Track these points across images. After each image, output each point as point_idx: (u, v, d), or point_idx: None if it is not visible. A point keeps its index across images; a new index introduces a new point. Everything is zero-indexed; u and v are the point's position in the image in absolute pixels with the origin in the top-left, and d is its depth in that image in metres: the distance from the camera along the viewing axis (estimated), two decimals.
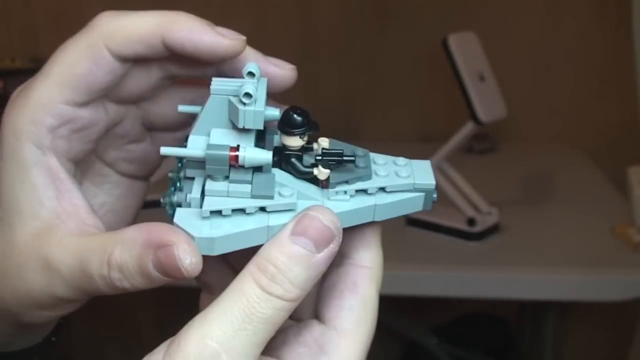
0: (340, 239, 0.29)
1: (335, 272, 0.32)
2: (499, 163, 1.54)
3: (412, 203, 0.31)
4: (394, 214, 0.31)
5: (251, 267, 0.28)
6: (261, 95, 0.30)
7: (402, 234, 1.14)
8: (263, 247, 0.28)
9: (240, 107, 0.29)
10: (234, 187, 0.29)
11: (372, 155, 0.33)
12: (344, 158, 0.31)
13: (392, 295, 0.93)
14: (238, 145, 0.29)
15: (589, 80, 1.61)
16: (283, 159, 0.31)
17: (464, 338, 1.46)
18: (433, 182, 0.31)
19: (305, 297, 0.30)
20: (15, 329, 0.35)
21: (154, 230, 0.28)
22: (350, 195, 0.30)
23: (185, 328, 0.27)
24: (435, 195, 0.32)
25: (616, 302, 1.04)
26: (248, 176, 0.30)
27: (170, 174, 0.32)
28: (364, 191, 0.31)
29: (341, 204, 0.30)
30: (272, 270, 0.27)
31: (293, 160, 0.31)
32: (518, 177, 1.41)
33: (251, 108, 0.29)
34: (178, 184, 0.31)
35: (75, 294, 0.31)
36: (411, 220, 1.14)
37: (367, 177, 0.31)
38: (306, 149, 0.31)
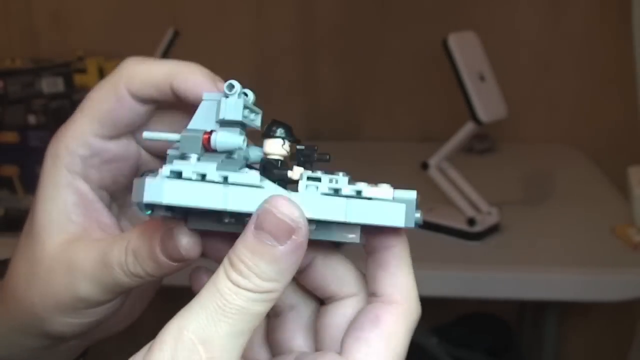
0: (306, 230, 0.28)
1: (364, 308, 0.32)
2: (499, 163, 1.54)
3: (391, 212, 0.29)
4: (369, 219, 0.29)
5: (224, 262, 0.28)
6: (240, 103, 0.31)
7: None
8: (236, 241, 0.28)
9: (223, 98, 0.30)
10: (201, 164, 0.29)
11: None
12: (319, 156, 0.30)
13: None
14: (212, 130, 0.30)
15: (589, 80, 1.61)
16: (263, 166, 0.31)
17: (464, 338, 1.46)
18: (414, 196, 0.29)
19: (334, 332, 0.32)
20: (41, 340, 0.36)
21: (154, 222, 0.32)
22: (322, 193, 0.29)
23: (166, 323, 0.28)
24: (418, 215, 0.29)
25: (616, 302, 1.04)
26: (219, 159, 0.29)
27: None
28: (337, 191, 0.29)
29: (308, 194, 0.29)
30: (239, 265, 0.27)
31: (271, 162, 0.31)
32: (518, 177, 1.41)
33: (232, 98, 0.30)
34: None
35: (98, 291, 0.33)
36: None
37: (347, 180, 0.30)
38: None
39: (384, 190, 0.29)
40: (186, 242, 0.31)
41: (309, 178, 0.30)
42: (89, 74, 1.55)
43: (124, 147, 0.36)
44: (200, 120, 0.31)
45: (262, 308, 0.28)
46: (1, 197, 1.36)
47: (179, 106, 0.35)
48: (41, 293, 0.34)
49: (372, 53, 1.64)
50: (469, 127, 1.05)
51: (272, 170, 0.30)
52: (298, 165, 0.30)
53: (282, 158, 0.31)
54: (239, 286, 0.27)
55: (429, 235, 1.12)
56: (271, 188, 0.28)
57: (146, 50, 1.43)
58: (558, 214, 1.23)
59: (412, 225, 0.29)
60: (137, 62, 0.35)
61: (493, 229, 1.11)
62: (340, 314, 0.33)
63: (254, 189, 0.28)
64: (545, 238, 1.13)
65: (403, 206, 0.29)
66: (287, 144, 0.31)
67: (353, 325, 0.31)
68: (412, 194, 0.30)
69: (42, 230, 0.35)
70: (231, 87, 0.30)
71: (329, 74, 1.65)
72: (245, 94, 0.31)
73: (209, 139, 0.30)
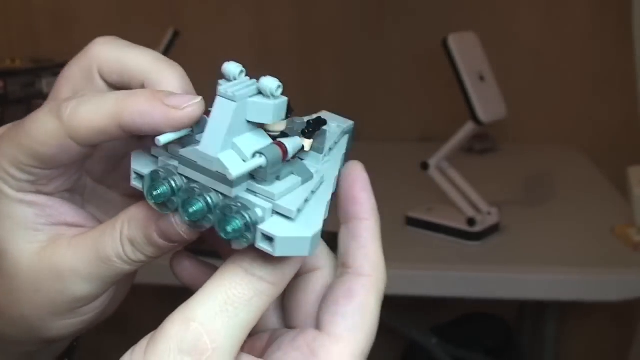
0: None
1: (335, 282, 0.33)
2: (499, 163, 1.54)
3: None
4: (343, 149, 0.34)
5: (235, 254, 0.29)
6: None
7: (402, 234, 1.14)
8: None
9: (269, 101, 0.29)
10: (286, 183, 0.29)
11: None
12: (321, 128, 0.33)
13: (392, 295, 0.93)
14: (280, 141, 0.30)
15: (589, 80, 1.61)
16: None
17: (464, 338, 1.46)
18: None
19: (306, 307, 0.33)
20: (36, 346, 0.35)
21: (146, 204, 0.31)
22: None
23: (170, 315, 0.28)
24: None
25: (616, 302, 1.04)
26: (285, 169, 0.30)
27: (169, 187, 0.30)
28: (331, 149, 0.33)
29: (330, 163, 0.32)
30: (253, 254, 0.28)
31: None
32: (518, 177, 1.41)
33: (280, 100, 0.29)
34: (218, 203, 0.29)
35: (95, 287, 0.32)
36: (411, 220, 1.14)
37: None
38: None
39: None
40: (186, 228, 0.30)
41: (322, 148, 0.32)
42: None
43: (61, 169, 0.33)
44: (218, 125, 0.29)
45: (264, 303, 0.29)
46: None
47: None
48: (31, 304, 0.33)
49: (372, 53, 1.64)
50: (469, 127, 1.05)
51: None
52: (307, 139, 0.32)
53: (279, 133, 0.31)
54: (251, 274, 0.28)
55: (429, 235, 1.12)
56: (320, 170, 0.32)
57: None
58: (558, 214, 1.23)
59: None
60: (75, 105, 0.30)
61: (493, 229, 1.11)
62: (309, 290, 0.34)
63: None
64: (545, 238, 1.13)
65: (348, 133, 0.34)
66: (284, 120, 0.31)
67: (327, 299, 0.32)
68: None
69: (8, 246, 0.32)
70: (280, 87, 0.29)
71: (329, 74, 1.65)
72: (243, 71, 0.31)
73: (285, 152, 0.29)
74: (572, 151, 1.59)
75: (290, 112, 0.30)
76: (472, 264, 1.05)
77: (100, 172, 0.36)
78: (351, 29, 1.65)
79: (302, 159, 0.32)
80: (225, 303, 0.28)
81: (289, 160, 0.30)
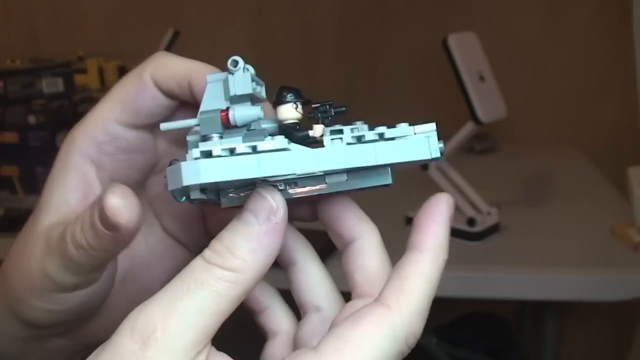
0: (284, 214, 0.28)
1: (355, 302, 0.31)
2: (499, 163, 1.54)
3: (416, 147, 0.30)
4: (399, 158, 0.29)
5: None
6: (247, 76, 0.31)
7: (402, 234, 1.13)
8: None
9: (229, 75, 0.31)
10: (225, 140, 0.30)
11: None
12: (336, 109, 0.31)
13: None
14: (227, 107, 0.30)
15: (589, 80, 1.61)
16: (281, 132, 0.31)
17: (464, 338, 1.46)
18: (433, 127, 0.30)
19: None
20: (22, 328, 0.36)
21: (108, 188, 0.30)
22: (347, 143, 0.29)
23: None
24: (441, 145, 0.30)
25: (616, 302, 1.04)
26: (242, 133, 0.30)
27: None
28: (360, 138, 0.30)
29: (336, 147, 0.29)
30: (215, 244, 0.28)
31: (289, 126, 0.31)
32: (518, 177, 1.41)
33: (239, 73, 0.31)
34: None
35: (60, 270, 0.32)
36: (411, 220, 1.14)
37: (365, 128, 0.30)
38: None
39: (404, 128, 0.30)
40: (113, 202, 0.28)
41: (331, 132, 0.30)
42: (89, 74, 1.55)
43: (141, 139, 0.36)
44: (210, 102, 0.31)
45: (231, 290, 0.27)
46: (1, 197, 1.36)
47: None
48: (21, 273, 0.34)
49: (372, 53, 1.64)
50: (469, 127, 1.05)
51: (293, 134, 0.30)
52: (317, 123, 0.31)
53: (297, 121, 0.31)
54: (209, 262, 0.28)
55: None
56: (298, 149, 0.29)
57: (146, 51, 1.43)
58: (558, 214, 1.23)
59: (437, 155, 0.30)
60: (164, 55, 0.35)
61: (493, 229, 1.11)
62: (347, 312, 0.31)
63: (284, 152, 0.28)
64: (546, 238, 1.13)
65: (426, 139, 0.30)
66: (299, 106, 0.31)
67: (334, 321, 0.31)
68: (431, 126, 0.30)
69: (42, 209, 0.34)
70: (235, 63, 0.31)
71: (329, 73, 1.65)
72: (247, 69, 0.31)
73: (227, 116, 0.30)
74: (572, 151, 1.59)
75: (303, 102, 0.31)
76: (472, 264, 1.05)
77: (153, 193, 0.38)
78: (351, 29, 1.65)
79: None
80: (181, 287, 0.27)
81: (236, 127, 0.30)
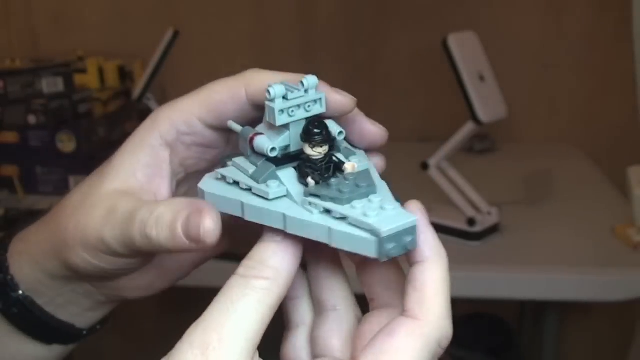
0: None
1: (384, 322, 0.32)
2: (499, 163, 1.54)
3: (365, 244, 0.30)
4: (350, 247, 0.30)
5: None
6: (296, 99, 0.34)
7: None
8: None
9: (266, 102, 0.33)
10: (244, 164, 0.34)
11: (382, 186, 0.33)
12: (325, 175, 0.33)
13: None
14: (261, 134, 0.34)
15: (589, 80, 1.61)
16: (299, 165, 0.34)
17: (464, 338, 1.46)
18: (389, 229, 0.29)
19: (362, 338, 0.33)
20: (60, 269, 0.40)
21: (197, 201, 0.34)
22: (319, 211, 0.31)
23: None
24: (391, 247, 0.29)
25: (616, 302, 1.04)
26: (259, 161, 0.34)
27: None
28: (329, 212, 0.31)
29: (305, 212, 0.32)
30: (247, 262, 0.32)
31: (300, 165, 0.33)
32: (518, 177, 1.41)
33: (271, 104, 0.33)
34: None
35: (116, 239, 0.36)
36: None
37: (342, 201, 0.31)
38: (336, 165, 0.33)
39: (365, 218, 0.30)
40: (210, 225, 0.32)
41: (311, 195, 0.32)
42: (89, 74, 1.55)
43: (217, 137, 0.39)
44: (264, 122, 0.35)
45: (268, 296, 0.31)
46: (1, 197, 1.36)
47: None
48: (77, 222, 0.38)
49: (372, 53, 1.64)
50: (469, 127, 1.05)
51: (299, 174, 0.33)
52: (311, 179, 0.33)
53: (321, 156, 0.33)
54: (245, 276, 0.31)
55: None
56: (280, 204, 0.32)
57: (146, 50, 1.44)
58: (558, 214, 1.23)
59: (384, 258, 0.30)
60: (260, 71, 0.37)
61: (493, 229, 1.11)
62: (375, 322, 0.33)
63: (264, 206, 0.32)
64: (546, 238, 1.13)
65: (374, 241, 0.29)
66: (323, 147, 0.33)
67: (373, 336, 0.32)
68: (387, 228, 0.29)
69: (109, 173, 0.38)
70: (268, 92, 0.33)
71: (328, 74, 1.65)
72: (298, 89, 0.34)
73: (252, 140, 0.34)
74: (572, 151, 1.59)
75: (327, 142, 0.33)
76: (472, 264, 1.05)
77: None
78: (351, 29, 1.65)
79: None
80: (226, 302, 0.30)
81: (255, 152, 0.34)
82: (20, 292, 0.42)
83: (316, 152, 0.33)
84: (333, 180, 0.32)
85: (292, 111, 0.33)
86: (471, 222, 1.09)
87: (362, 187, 0.32)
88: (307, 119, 0.33)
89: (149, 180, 0.38)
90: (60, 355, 0.46)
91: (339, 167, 0.33)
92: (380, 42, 1.63)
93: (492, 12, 1.58)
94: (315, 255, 0.36)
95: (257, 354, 0.31)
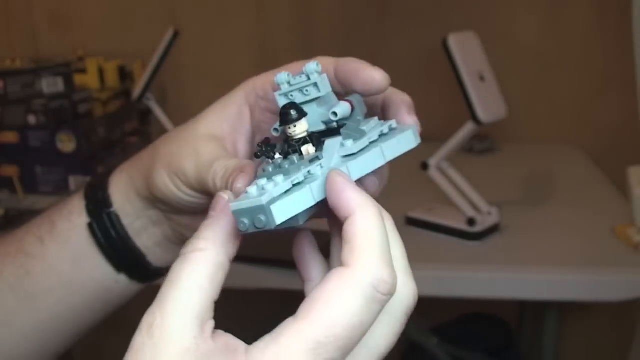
0: (228, 200, 0.35)
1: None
2: (499, 163, 1.54)
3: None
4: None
5: None
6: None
7: (402, 234, 1.13)
8: None
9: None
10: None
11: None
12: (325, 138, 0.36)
13: None
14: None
15: (589, 80, 1.61)
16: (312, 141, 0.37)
17: (464, 338, 1.46)
18: (244, 205, 0.32)
19: None
20: (144, 188, 0.46)
21: (248, 165, 0.39)
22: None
23: None
24: (247, 223, 0.33)
25: (616, 302, 1.04)
26: (287, 164, 0.35)
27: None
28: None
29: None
30: (187, 242, 0.34)
31: (314, 136, 0.36)
32: (518, 177, 1.41)
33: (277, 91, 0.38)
34: None
35: (190, 173, 0.42)
36: (411, 220, 1.14)
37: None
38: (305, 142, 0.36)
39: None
40: (239, 185, 0.37)
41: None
42: (89, 74, 1.55)
43: None
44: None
45: (202, 265, 0.32)
46: (1, 197, 1.36)
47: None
48: (169, 150, 0.44)
49: (371, 53, 1.64)
50: (469, 127, 1.05)
51: (322, 138, 0.36)
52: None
53: (306, 133, 0.36)
54: (182, 254, 0.33)
55: (429, 235, 1.12)
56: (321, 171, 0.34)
57: (146, 50, 1.44)
58: (558, 214, 1.23)
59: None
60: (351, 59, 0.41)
61: (493, 229, 1.11)
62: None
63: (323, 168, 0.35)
64: (545, 238, 1.13)
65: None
66: (303, 120, 0.35)
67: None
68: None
69: (203, 119, 0.44)
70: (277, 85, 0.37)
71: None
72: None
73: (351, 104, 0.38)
74: (572, 151, 1.59)
75: (304, 113, 0.36)
76: (472, 264, 1.05)
77: None
78: (351, 28, 1.65)
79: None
80: (166, 282, 0.33)
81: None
82: (112, 209, 0.48)
83: (292, 132, 0.35)
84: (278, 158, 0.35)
85: (292, 95, 0.37)
86: (471, 222, 1.09)
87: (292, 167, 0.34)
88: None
89: (231, 131, 0.44)
90: (122, 294, 0.51)
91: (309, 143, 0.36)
92: (380, 42, 1.63)
93: (492, 12, 1.58)
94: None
95: (209, 324, 0.31)
